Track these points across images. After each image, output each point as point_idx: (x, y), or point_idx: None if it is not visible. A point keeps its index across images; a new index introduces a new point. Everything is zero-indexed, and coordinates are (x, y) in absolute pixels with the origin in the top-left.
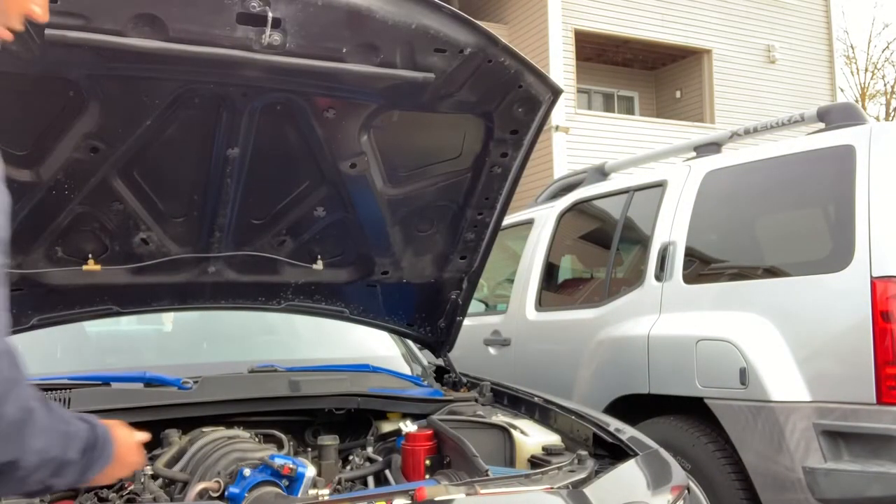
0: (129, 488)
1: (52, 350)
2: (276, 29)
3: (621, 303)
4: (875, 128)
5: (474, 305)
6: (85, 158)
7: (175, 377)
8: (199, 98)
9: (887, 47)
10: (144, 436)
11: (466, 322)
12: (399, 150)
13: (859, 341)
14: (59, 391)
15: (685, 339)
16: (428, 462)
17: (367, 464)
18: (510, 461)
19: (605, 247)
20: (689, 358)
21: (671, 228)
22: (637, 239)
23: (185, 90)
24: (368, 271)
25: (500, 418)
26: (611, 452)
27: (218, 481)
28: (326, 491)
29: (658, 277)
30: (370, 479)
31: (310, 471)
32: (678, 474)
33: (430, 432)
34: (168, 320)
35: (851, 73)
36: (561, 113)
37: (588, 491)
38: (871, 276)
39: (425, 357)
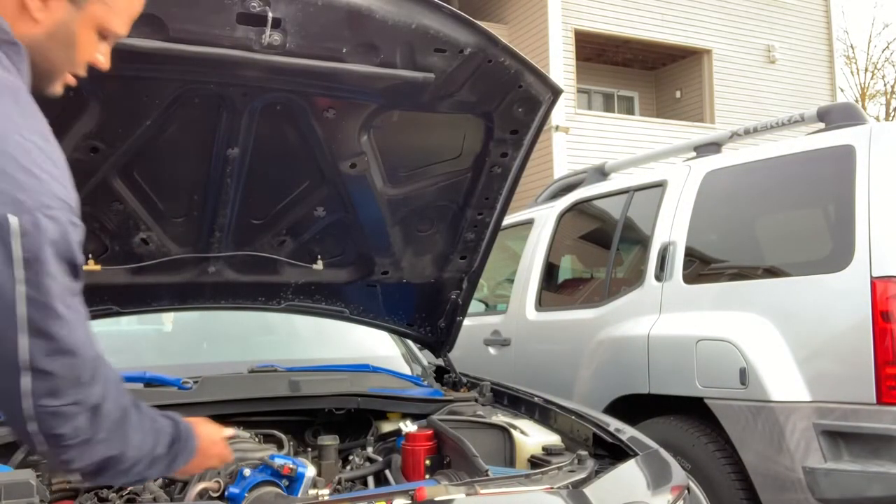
0: (129, 488)
1: None
2: (276, 29)
3: (621, 303)
4: (875, 128)
5: (474, 305)
6: (85, 158)
7: (175, 377)
8: (199, 98)
9: (887, 47)
10: (230, 431)
11: (466, 322)
12: (399, 150)
13: (859, 341)
14: None
15: (685, 339)
16: (428, 462)
17: (367, 464)
18: (510, 461)
19: (605, 247)
20: (689, 358)
21: (671, 228)
22: (637, 239)
23: (185, 90)
24: (368, 271)
25: (500, 418)
26: (611, 452)
27: (218, 481)
28: (326, 491)
29: (658, 277)
30: (370, 479)
31: (310, 471)
32: (678, 474)
33: (430, 432)
34: (168, 320)
35: (851, 73)
36: (561, 113)
37: (588, 491)
38: (871, 276)
39: (425, 357)
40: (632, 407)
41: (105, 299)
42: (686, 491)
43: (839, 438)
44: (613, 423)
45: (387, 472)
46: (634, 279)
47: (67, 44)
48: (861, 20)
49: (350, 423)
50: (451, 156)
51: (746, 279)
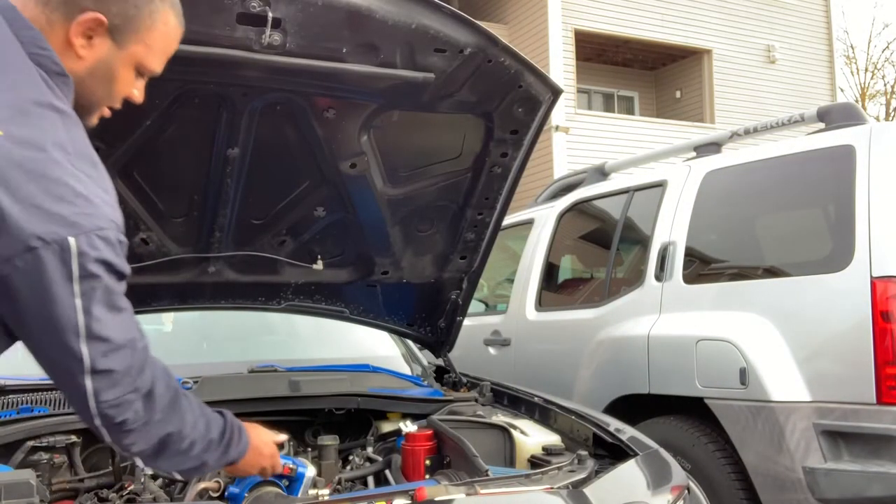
0: (129, 488)
1: None
2: (276, 29)
3: (621, 303)
4: (875, 128)
5: (474, 305)
6: None
7: (175, 377)
8: (199, 98)
9: (887, 47)
10: (282, 437)
11: (466, 322)
12: (399, 150)
13: (859, 341)
14: (59, 391)
15: (685, 339)
16: (428, 462)
17: (367, 464)
18: (510, 461)
19: (605, 247)
20: (689, 358)
21: (671, 228)
22: (637, 239)
23: (185, 90)
24: (368, 271)
25: (500, 418)
26: (611, 452)
27: (218, 481)
28: (326, 491)
29: (658, 277)
30: (370, 479)
31: (310, 471)
32: (678, 474)
33: (430, 432)
34: (168, 320)
35: (851, 73)
36: (561, 113)
37: (588, 491)
38: (871, 276)
39: (425, 357)
40: (632, 407)
41: None
42: (686, 491)
43: (839, 438)
44: (613, 423)
45: (387, 472)
46: (634, 279)
47: (107, 79)
48: (861, 20)
49: (350, 423)
50: (451, 156)
51: (746, 279)
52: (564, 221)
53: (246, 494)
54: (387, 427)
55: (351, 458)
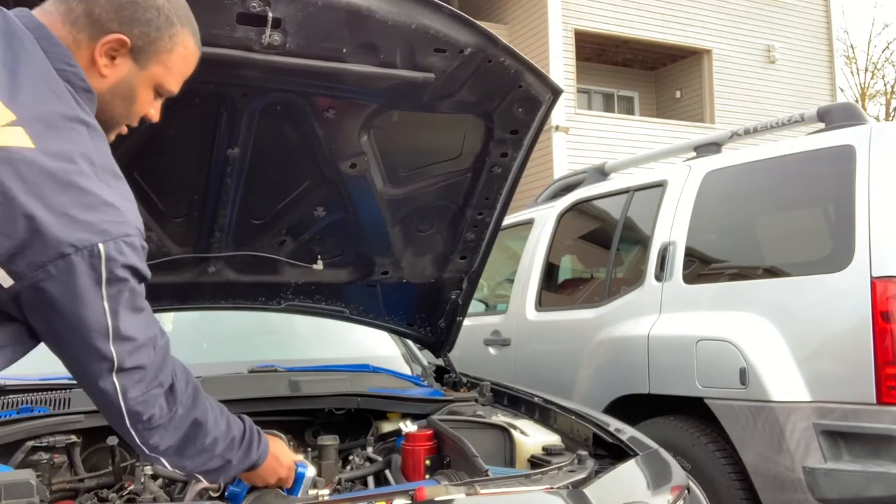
0: (129, 488)
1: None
2: (276, 29)
3: (621, 303)
4: (875, 128)
5: (474, 305)
6: None
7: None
8: (199, 98)
9: (887, 47)
10: (299, 457)
11: (466, 322)
12: (399, 150)
13: (859, 341)
14: (59, 391)
15: (685, 339)
16: (428, 462)
17: (367, 464)
18: (510, 461)
19: (605, 247)
20: (689, 358)
21: (671, 228)
22: (637, 239)
23: (185, 90)
24: (368, 271)
25: (500, 418)
26: (611, 452)
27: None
28: (326, 491)
29: (658, 277)
30: (370, 479)
31: (310, 471)
32: (678, 474)
33: (430, 432)
34: (168, 320)
35: (851, 73)
36: (561, 113)
37: (588, 491)
38: (871, 276)
39: (425, 357)
40: (632, 407)
41: None
42: (686, 491)
43: (839, 438)
44: (613, 423)
45: (387, 472)
46: (634, 279)
47: (128, 98)
48: (861, 20)
49: (350, 423)
50: (451, 156)
51: (746, 279)
52: (564, 221)
53: (246, 494)
54: (387, 427)
55: (351, 458)
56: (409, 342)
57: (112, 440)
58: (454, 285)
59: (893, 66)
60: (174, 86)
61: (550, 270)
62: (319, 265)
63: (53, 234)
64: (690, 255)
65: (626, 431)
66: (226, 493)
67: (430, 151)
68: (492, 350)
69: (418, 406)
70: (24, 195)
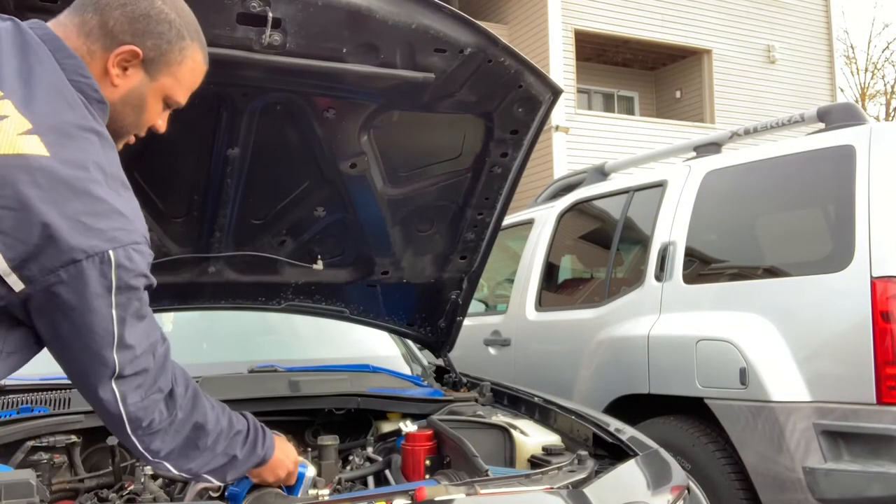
0: (129, 488)
1: None
2: (276, 29)
3: (621, 303)
4: (875, 128)
5: (474, 305)
6: None
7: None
8: (199, 98)
9: (887, 47)
10: (301, 459)
11: (466, 322)
12: (399, 150)
13: (859, 341)
14: (59, 391)
15: (685, 339)
16: (428, 462)
17: (367, 464)
18: (510, 461)
19: (605, 247)
20: (689, 358)
21: (671, 228)
22: (637, 239)
23: None
24: (368, 271)
25: (500, 418)
26: (611, 452)
27: (212, 482)
28: (326, 491)
29: (658, 277)
30: (370, 479)
31: (310, 471)
32: (678, 474)
33: (430, 432)
34: (168, 320)
35: (851, 73)
36: (561, 113)
37: (588, 491)
38: (871, 276)
39: (425, 357)
40: (632, 407)
41: None
42: (686, 491)
43: (839, 438)
44: (613, 423)
45: (387, 472)
46: (634, 279)
47: (138, 108)
48: (861, 20)
49: (350, 423)
50: (451, 156)
51: (746, 279)
52: (564, 221)
53: (246, 494)
54: (387, 427)
55: (351, 458)
56: (409, 342)
57: (112, 440)
58: (454, 285)
59: (893, 66)
60: (182, 97)
61: (550, 270)
62: (319, 265)
63: (66, 240)
64: (690, 255)
65: (626, 431)
66: (226, 493)
67: (430, 151)
68: (492, 350)
69: (418, 406)
70: (39, 202)
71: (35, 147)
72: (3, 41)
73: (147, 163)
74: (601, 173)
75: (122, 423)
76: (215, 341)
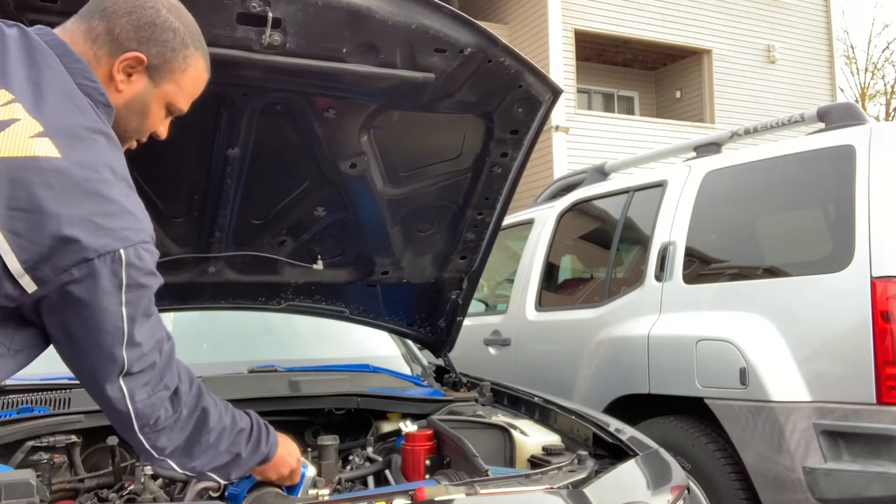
0: (129, 488)
1: (53, 350)
2: (276, 29)
3: (621, 303)
4: (875, 128)
5: (474, 305)
6: None
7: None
8: (199, 98)
9: (887, 47)
10: (301, 459)
11: (466, 322)
12: (399, 150)
13: (859, 341)
14: (59, 391)
15: (685, 339)
16: (428, 462)
17: (367, 464)
18: (510, 461)
19: (605, 247)
20: (689, 358)
21: (671, 228)
22: (637, 239)
23: None
24: (368, 271)
25: (500, 418)
26: (611, 452)
27: (217, 481)
28: (326, 491)
29: (658, 277)
30: (370, 479)
31: (310, 471)
32: (678, 474)
33: (430, 432)
34: (168, 320)
35: (851, 73)
36: (561, 113)
37: (588, 491)
38: (871, 276)
39: (425, 357)
40: (632, 407)
41: None
42: (686, 491)
43: (839, 438)
44: (613, 423)
45: (387, 472)
46: (634, 279)
47: (141, 114)
48: (861, 20)
49: (350, 423)
50: (451, 156)
51: (746, 279)
52: (564, 221)
53: (246, 494)
54: (387, 427)
55: (351, 458)
56: (409, 342)
57: (112, 440)
58: (454, 285)
59: (893, 66)
60: (184, 105)
61: (550, 270)
62: (319, 265)
63: (79, 240)
64: (690, 255)
65: (626, 431)
66: (226, 493)
67: (430, 151)
68: (492, 350)
69: (418, 406)
70: (52, 204)
71: (47, 149)
72: (11, 47)
73: (147, 163)
74: (601, 173)
75: (130, 420)
76: (215, 341)
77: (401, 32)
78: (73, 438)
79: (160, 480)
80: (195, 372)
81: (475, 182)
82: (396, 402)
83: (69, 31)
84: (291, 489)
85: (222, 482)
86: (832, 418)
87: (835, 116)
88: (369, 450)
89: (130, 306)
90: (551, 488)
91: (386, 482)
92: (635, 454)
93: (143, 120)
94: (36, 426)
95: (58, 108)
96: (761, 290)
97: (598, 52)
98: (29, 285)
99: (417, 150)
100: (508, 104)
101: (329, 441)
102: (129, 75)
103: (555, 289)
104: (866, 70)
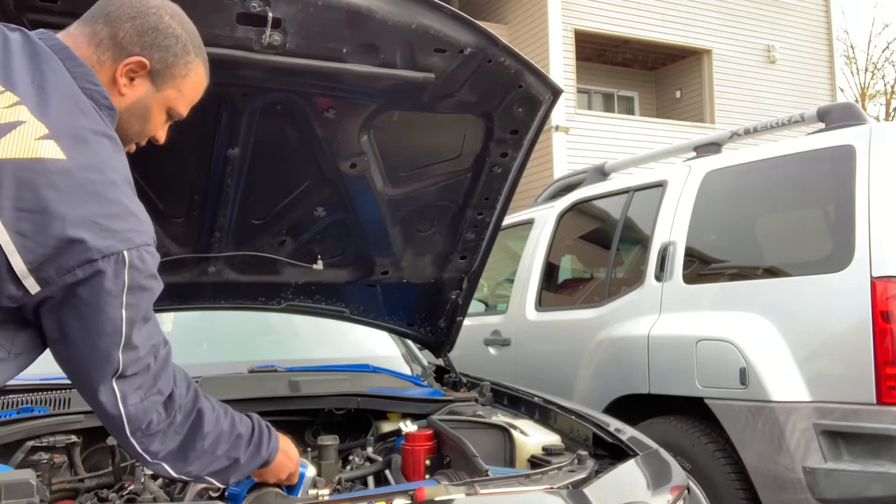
0: (129, 488)
1: None
2: (276, 29)
3: (621, 303)
4: (875, 128)
5: (474, 305)
6: None
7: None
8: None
9: (887, 47)
10: (301, 459)
11: (466, 322)
12: (399, 150)
13: (859, 341)
14: (59, 391)
15: (685, 339)
16: (428, 462)
17: (367, 464)
18: (510, 461)
19: (605, 247)
20: (689, 358)
21: (671, 228)
22: (637, 239)
23: None
24: (368, 271)
25: (500, 418)
26: (611, 452)
27: (215, 485)
28: (326, 491)
29: (658, 277)
30: (370, 479)
31: (310, 471)
32: (678, 474)
33: (430, 432)
34: (168, 320)
35: (851, 73)
36: (561, 113)
37: (588, 491)
38: (871, 276)
39: (425, 357)
40: (632, 407)
41: None
42: (686, 491)
43: (839, 438)
44: (613, 423)
45: (387, 472)
46: (634, 279)
47: (142, 118)
48: (861, 20)
49: (350, 423)
50: (451, 156)
51: (746, 279)
52: (564, 221)
53: (246, 494)
54: (387, 427)
55: (351, 458)
56: (409, 342)
57: (112, 440)
58: (454, 285)
59: (893, 66)
60: (184, 110)
61: (550, 270)
62: (319, 265)
63: (83, 241)
64: (690, 255)
65: (626, 431)
66: (226, 494)
67: (430, 151)
68: (492, 350)
69: (418, 406)
70: (58, 205)
71: (52, 151)
72: (15, 51)
73: (147, 163)
74: (601, 173)
75: (122, 423)
76: (215, 341)
77: (401, 32)
78: (73, 438)
79: (160, 480)
80: (195, 372)
81: (475, 182)
82: (396, 402)
83: (72, 36)
84: (291, 489)
85: (219, 485)
86: (832, 418)
87: (835, 116)
88: (369, 450)
89: (131, 309)
90: (551, 488)
91: (386, 482)
92: (635, 454)
93: (144, 124)
94: (36, 426)
95: (62, 110)
96: (761, 290)
97: (598, 52)
98: (33, 286)
99: (417, 150)
100: (508, 104)
101: (329, 441)
102: (132, 79)
103: (555, 289)
104: (866, 70)
